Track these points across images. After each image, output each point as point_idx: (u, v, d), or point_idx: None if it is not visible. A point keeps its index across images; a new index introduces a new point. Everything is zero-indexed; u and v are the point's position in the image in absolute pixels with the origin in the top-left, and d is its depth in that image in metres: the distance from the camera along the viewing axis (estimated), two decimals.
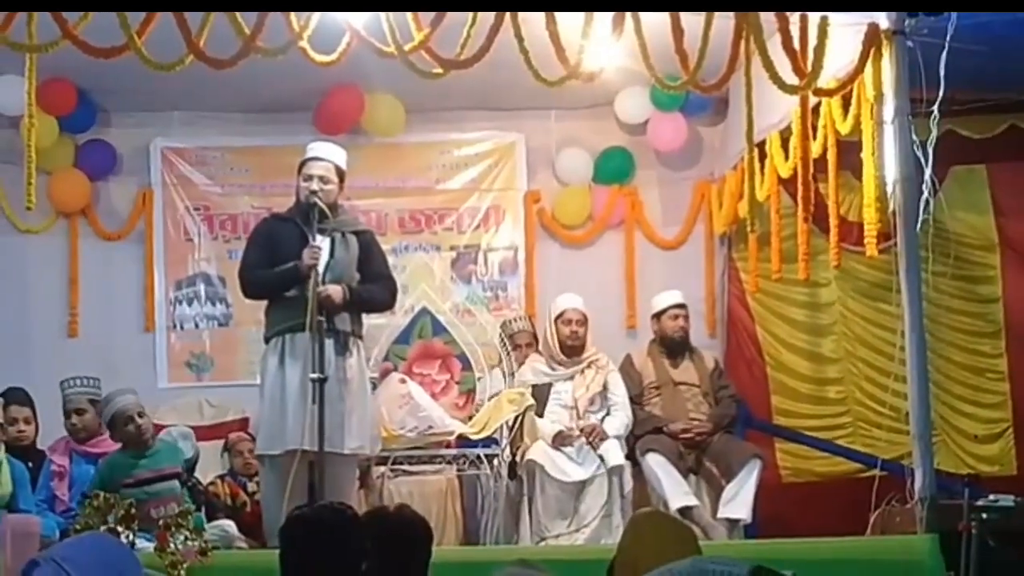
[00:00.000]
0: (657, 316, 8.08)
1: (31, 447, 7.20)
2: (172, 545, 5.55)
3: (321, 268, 6.69)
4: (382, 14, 6.23)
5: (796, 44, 6.52)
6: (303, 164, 6.93)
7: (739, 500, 7.39)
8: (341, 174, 6.94)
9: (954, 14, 6.42)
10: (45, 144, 8.35)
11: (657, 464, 7.43)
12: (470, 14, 6.19)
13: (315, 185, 6.82)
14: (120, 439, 6.73)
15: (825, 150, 7.12)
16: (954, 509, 6.27)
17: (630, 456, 7.57)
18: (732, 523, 7.37)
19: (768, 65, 6.44)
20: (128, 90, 8.26)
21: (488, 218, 9.13)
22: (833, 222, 7.32)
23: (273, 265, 6.81)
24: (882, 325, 8.46)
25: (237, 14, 6.11)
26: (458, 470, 7.79)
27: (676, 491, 7.36)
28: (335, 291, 6.69)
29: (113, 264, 8.94)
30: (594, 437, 7.49)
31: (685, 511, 7.20)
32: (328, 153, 6.97)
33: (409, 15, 6.22)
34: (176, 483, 6.64)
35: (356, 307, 6.83)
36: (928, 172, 6.63)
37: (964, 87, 7.04)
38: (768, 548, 6.25)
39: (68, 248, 8.89)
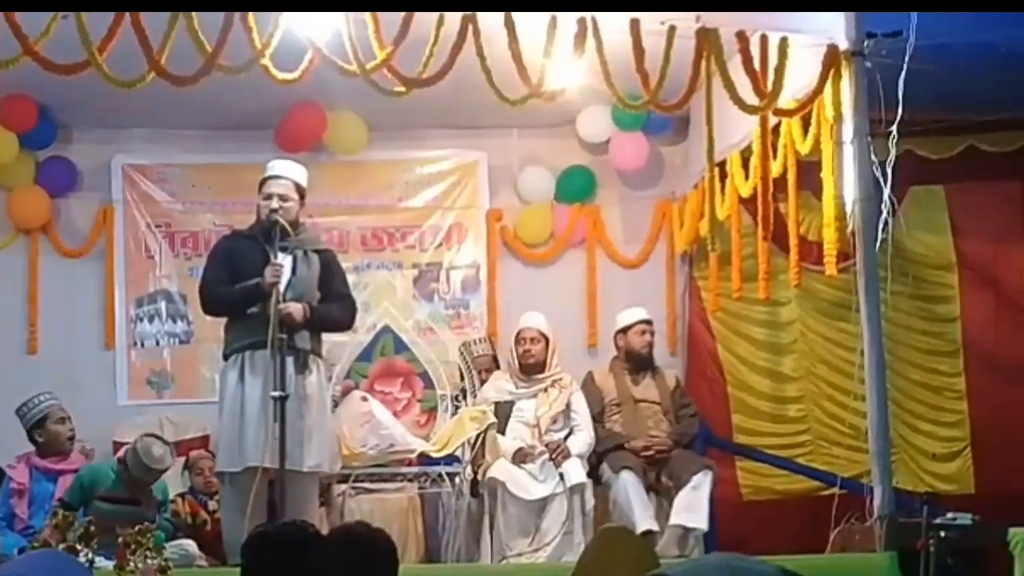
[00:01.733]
0: (623, 332, 8.05)
1: None
2: (132, 563, 5.51)
3: (283, 286, 6.68)
4: (344, 32, 6.23)
5: (756, 65, 6.57)
6: (263, 183, 6.92)
7: (693, 509, 7.35)
8: (301, 191, 6.94)
9: (912, 36, 6.48)
10: (5, 160, 8.33)
11: (631, 484, 7.39)
12: (432, 33, 6.20)
13: (275, 203, 6.81)
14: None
15: (785, 170, 7.17)
16: (913, 527, 6.31)
17: (592, 474, 7.57)
18: (687, 531, 7.35)
19: (729, 85, 6.49)
20: (89, 106, 8.22)
21: (450, 236, 9.12)
22: (793, 241, 7.37)
23: (233, 282, 6.79)
24: (841, 344, 8.48)
25: (198, 31, 6.10)
26: (419, 488, 7.79)
27: (644, 514, 7.31)
28: (296, 309, 6.67)
29: (73, 281, 8.88)
30: (558, 454, 7.48)
31: (647, 535, 7.20)
32: (287, 171, 6.96)
33: (371, 33, 6.22)
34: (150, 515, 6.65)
35: (316, 325, 6.82)
36: (887, 192, 6.69)
37: (922, 108, 7.10)
38: None
39: (28, 265, 8.82)
